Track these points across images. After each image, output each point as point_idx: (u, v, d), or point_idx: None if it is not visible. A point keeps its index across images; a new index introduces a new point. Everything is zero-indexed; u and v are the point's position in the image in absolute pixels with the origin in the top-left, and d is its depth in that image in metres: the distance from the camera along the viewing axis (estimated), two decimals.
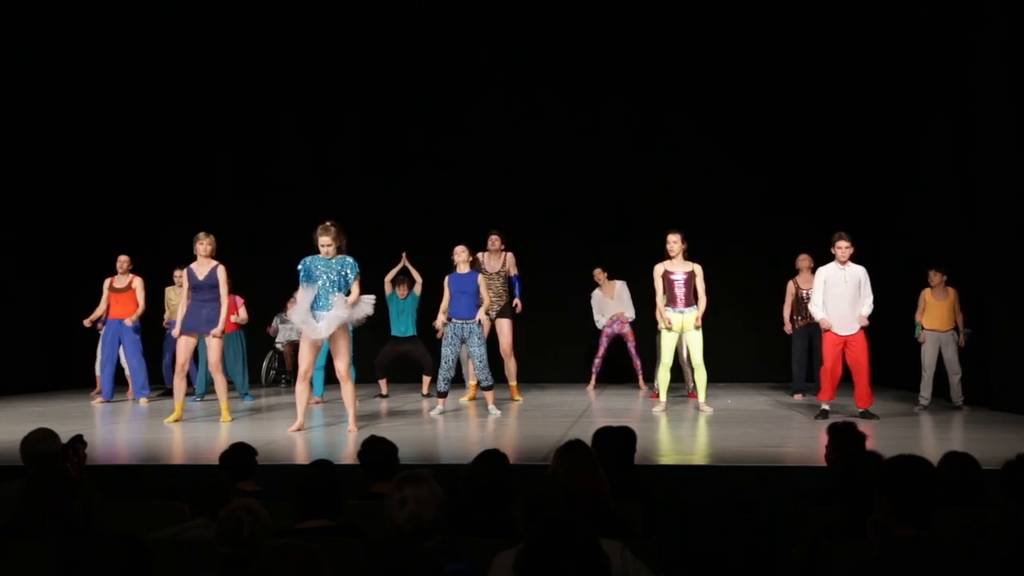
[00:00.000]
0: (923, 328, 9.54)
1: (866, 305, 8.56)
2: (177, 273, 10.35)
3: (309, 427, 8.33)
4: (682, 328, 9.23)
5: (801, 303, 10.62)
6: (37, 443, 4.64)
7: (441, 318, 9.23)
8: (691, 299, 9.20)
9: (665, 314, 9.19)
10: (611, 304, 11.57)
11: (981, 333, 9.53)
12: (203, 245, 8.76)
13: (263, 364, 12.62)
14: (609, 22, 12.83)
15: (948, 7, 10.17)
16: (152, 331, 11.22)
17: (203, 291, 8.79)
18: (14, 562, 3.53)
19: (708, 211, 12.26)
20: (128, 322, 10.66)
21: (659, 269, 9.26)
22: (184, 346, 8.83)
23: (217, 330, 8.72)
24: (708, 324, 9.34)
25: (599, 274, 11.63)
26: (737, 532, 5.64)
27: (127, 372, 10.99)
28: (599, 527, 3.00)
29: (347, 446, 7.22)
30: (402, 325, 10.94)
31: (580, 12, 12.84)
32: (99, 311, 10.79)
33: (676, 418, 8.90)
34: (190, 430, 8.37)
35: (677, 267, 9.23)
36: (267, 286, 11.91)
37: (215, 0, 13.01)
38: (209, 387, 10.25)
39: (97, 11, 12.74)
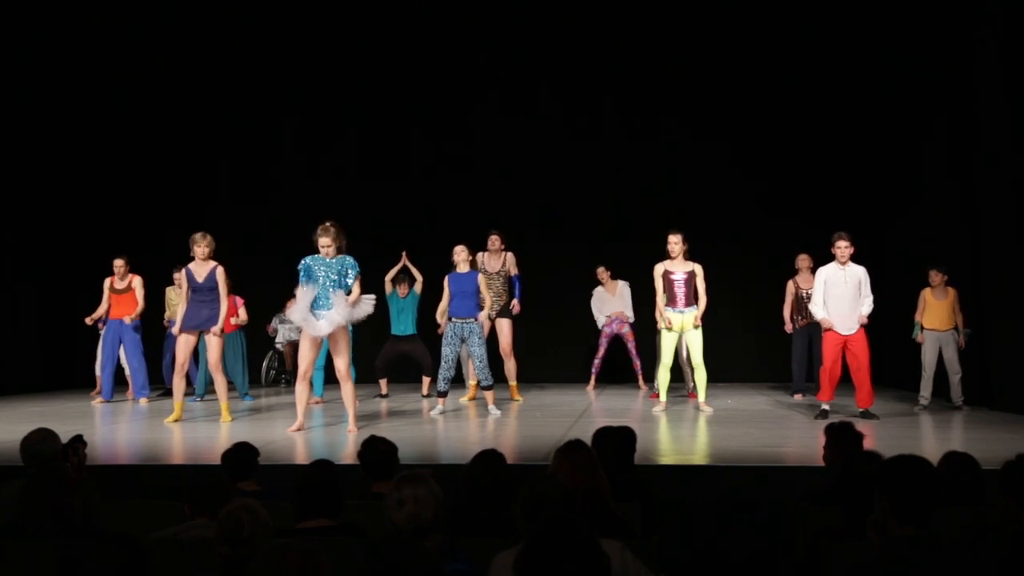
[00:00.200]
0: (922, 328, 9.54)
1: (866, 305, 8.56)
2: (176, 274, 10.34)
3: (309, 427, 8.33)
4: (682, 328, 9.23)
5: (801, 303, 10.62)
6: (37, 443, 4.64)
7: (441, 320, 9.22)
8: (691, 299, 9.20)
9: (665, 314, 9.19)
10: (612, 301, 11.57)
11: (981, 333, 9.53)
12: (200, 248, 8.76)
13: (263, 364, 12.62)
14: (609, 22, 12.83)
15: (948, 7, 10.17)
16: (152, 331, 11.22)
17: (203, 292, 8.80)
18: (14, 562, 3.53)
19: (708, 211, 12.26)
20: (128, 320, 10.67)
21: (659, 269, 9.26)
22: (184, 345, 8.83)
23: (217, 328, 8.72)
24: (708, 324, 9.34)
25: (602, 273, 11.64)
26: (737, 532, 5.65)
27: (127, 372, 11.00)
28: (599, 527, 3.00)
29: (347, 446, 7.23)
30: (402, 324, 10.94)
31: (580, 12, 12.84)
32: (100, 311, 10.80)
33: (676, 418, 8.90)
34: (190, 430, 8.37)
35: (677, 267, 9.23)
36: (267, 286, 11.89)
37: (215, 1, 13.01)
38: (209, 387, 10.25)
39: (97, 11, 12.73)
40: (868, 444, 4.79)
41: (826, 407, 8.61)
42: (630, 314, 11.51)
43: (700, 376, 9.31)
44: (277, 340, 12.62)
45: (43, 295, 12.52)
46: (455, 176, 12.98)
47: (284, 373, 12.65)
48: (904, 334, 9.88)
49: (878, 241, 11.64)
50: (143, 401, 10.67)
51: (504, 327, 10.27)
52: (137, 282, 10.75)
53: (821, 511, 4.20)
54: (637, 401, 10.58)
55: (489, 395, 9.20)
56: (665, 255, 9.28)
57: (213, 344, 8.82)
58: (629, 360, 11.69)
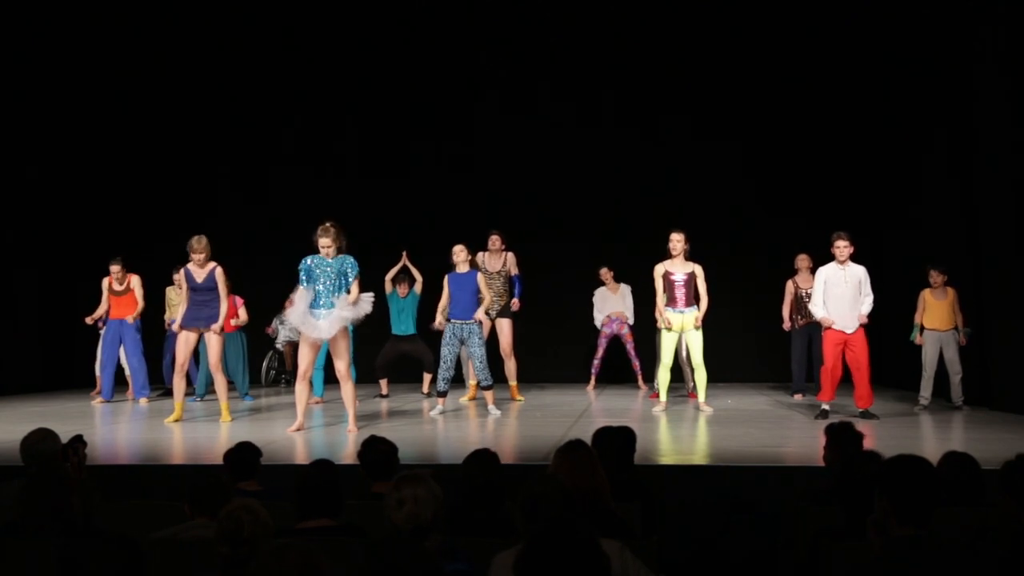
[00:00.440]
0: (922, 330, 9.53)
1: (866, 304, 8.56)
2: (176, 275, 10.34)
3: (309, 427, 8.33)
4: (682, 328, 9.24)
5: (800, 303, 10.62)
6: (37, 443, 4.64)
7: (439, 318, 9.22)
8: (691, 299, 9.20)
9: (665, 314, 9.19)
10: (613, 300, 11.57)
11: (981, 333, 9.53)
12: (198, 254, 8.75)
13: (263, 364, 12.62)
14: (609, 22, 12.83)
15: (949, 8, 10.16)
16: (153, 331, 11.23)
17: (202, 292, 8.81)
18: (14, 562, 3.53)
19: (708, 211, 12.26)
20: (130, 320, 10.68)
21: (659, 269, 9.26)
22: (184, 344, 8.83)
23: (217, 326, 8.73)
24: (708, 324, 9.33)
25: (605, 273, 11.64)
26: (737, 532, 5.65)
27: (127, 372, 11.00)
28: (599, 527, 3.00)
29: (347, 446, 7.23)
30: (403, 324, 10.94)
31: (580, 12, 12.84)
32: (99, 311, 10.80)
33: (676, 418, 8.90)
34: (190, 430, 8.37)
35: (678, 268, 9.23)
36: (267, 286, 11.90)
37: (215, 1, 13.01)
38: (209, 387, 10.25)
39: (97, 12, 12.73)
40: (868, 444, 4.79)
41: (826, 407, 8.61)
42: (630, 316, 11.51)
43: (700, 376, 9.31)
44: (277, 340, 12.62)
45: (43, 295, 12.52)
46: (455, 176, 12.98)
47: (284, 373, 12.65)
48: (904, 334, 9.87)
49: (878, 241, 11.64)
50: (143, 401, 10.67)
51: (504, 327, 10.27)
52: (136, 282, 10.75)
53: (821, 511, 4.20)
54: (637, 401, 10.58)
55: (489, 395, 9.20)
56: (665, 255, 9.28)
57: (213, 344, 8.82)
58: (629, 360, 11.69)
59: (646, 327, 10.88)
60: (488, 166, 12.92)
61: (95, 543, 3.54)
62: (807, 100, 12.43)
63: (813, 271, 9.27)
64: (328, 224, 8.06)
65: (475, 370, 9.46)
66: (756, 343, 12.31)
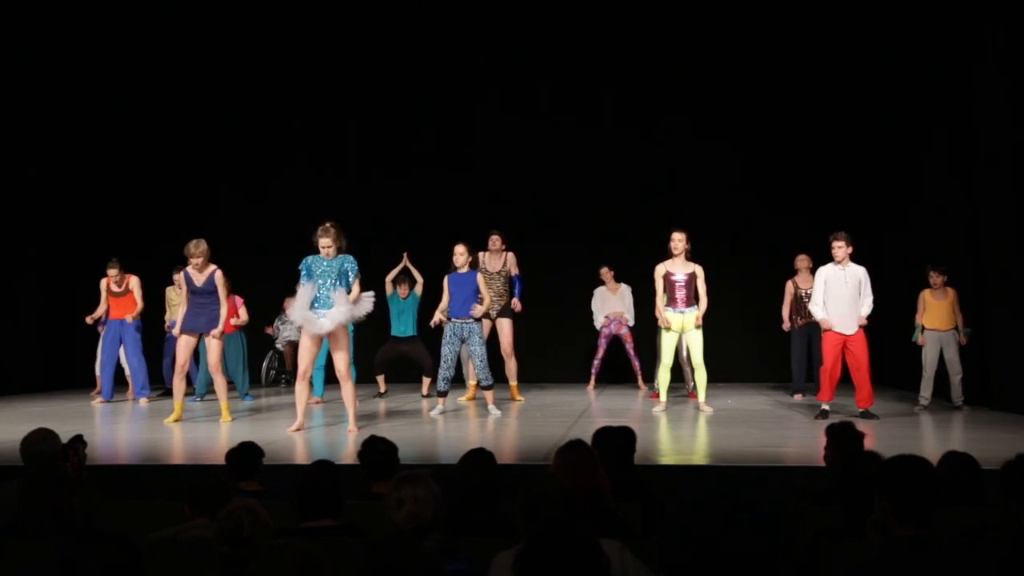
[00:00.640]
0: (923, 330, 9.54)
1: (866, 305, 8.56)
2: (176, 275, 10.35)
3: (309, 427, 8.33)
4: (682, 328, 9.23)
5: (800, 303, 10.62)
6: (37, 443, 4.64)
7: (438, 316, 9.22)
8: (691, 300, 9.20)
9: (664, 315, 9.19)
10: (613, 300, 11.57)
11: (981, 333, 9.53)
12: (195, 259, 8.74)
13: (263, 364, 12.63)
14: (609, 22, 12.83)
15: (949, 8, 10.16)
16: (153, 331, 11.23)
17: (202, 295, 8.81)
18: (14, 562, 3.53)
19: (708, 211, 12.25)
20: (130, 320, 10.68)
21: (660, 269, 9.25)
22: (184, 346, 8.84)
23: (217, 331, 8.73)
24: (708, 324, 9.33)
25: (606, 273, 11.63)
26: (737, 532, 5.65)
27: (127, 372, 11.00)
28: (599, 527, 3.00)
29: (347, 446, 7.23)
30: (402, 325, 10.94)
31: (580, 12, 12.84)
32: (99, 311, 10.79)
33: (676, 418, 8.90)
34: (190, 430, 8.37)
35: (678, 268, 9.22)
36: (267, 286, 11.92)
37: (215, 1, 13.01)
38: (209, 387, 10.25)
39: (97, 12, 12.73)
40: (868, 444, 4.78)
41: (826, 407, 8.61)
42: (630, 317, 11.51)
43: (700, 376, 9.31)
44: (277, 340, 12.63)
45: (43, 296, 12.52)
46: (455, 176, 12.98)
47: (284, 373, 12.66)
48: (904, 334, 9.87)
49: (878, 241, 11.65)
50: (143, 401, 10.68)
51: (505, 327, 10.27)
52: (134, 282, 10.75)
53: (821, 511, 4.20)
54: (637, 401, 10.58)
55: (489, 395, 9.20)
56: (665, 255, 9.27)
57: (213, 345, 8.83)
58: (629, 360, 11.69)
59: (646, 327, 10.88)
60: (488, 166, 12.92)
61: (95, 543, 3.54)
62: (807, 100, 12.43)
63: (813, 271, 9.26)
64: (328, 224, 8.07)
65: (475, 369, 9.46)
66: (756, 343, 12.32)
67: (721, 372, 10.91)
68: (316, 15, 13.08)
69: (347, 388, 8.17)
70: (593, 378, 11.67)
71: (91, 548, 3.44)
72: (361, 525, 3.85)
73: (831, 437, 4.76)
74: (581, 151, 12.81)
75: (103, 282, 10.76)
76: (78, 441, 4.68)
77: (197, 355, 10.37)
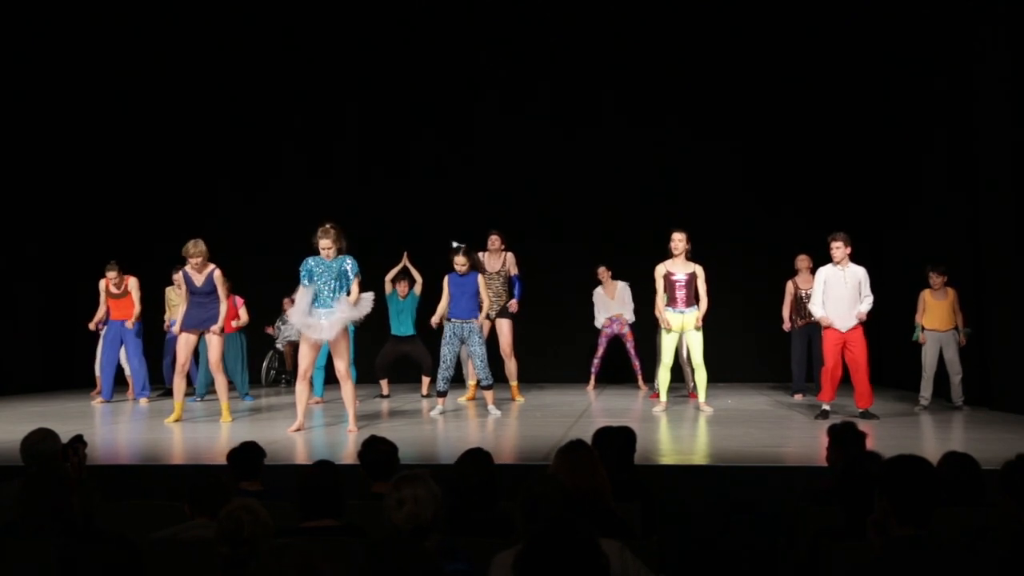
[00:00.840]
0: (923, 329, 9.54)
1: (865, 303, 8.56)
2: (176, 275, 10.35)
3: (309, 427, 8.33)
4: (682, 328, 9.23)
5: (800, 303, 10.62)
6: (37, 443, 4.64)
7: (436, 318, 9.21)
8: (691, 300, 9.19)
9: (664, 315, 9.18)
10: (612, 304, 11.58)
11: (981, 333, 9.53)
12: (194, 259, 8.73)
13: (263, 364, 12.63)
14: (609, 22, 12.83)
15: (949, 8, 10.16)
16: (153, 332, 11.22)
17: (201, 295, 8.81)
18: (14, 562, 3.53)
19: (708, 211, 12.25)
20: (129, 325, 10.68)
21: (660, 269, 9.25)
22: (184, 345, 8.84)
23: (216, 327, 8.73)
24: (708, 324, 9.33)
25: (603, 272, 11.63)
26: (737, 532, 5.65)
27: (127, 372, 11.01)
28: (599, 527, 3.00)
29: (347, 446, 7.23)
30: (402, 325, 10.94)
31: (580, 12, 12.84)
32: (100, 314, 10.79)
33: (676, 418, 8.90)
34: (190, 430, 8.37)
35: (679, 268, 9.22)
36: (267, 286, 11.92)
37: (214, 1, 13.01)
38: (209, 387, 10.25)
39: (96, 12, 12.73)
40: (868, 444, 4.78)
41: (827, 407, 8.61)
42: (629, 316, 11.51)
43: (700, 376, 9.31)
44: (277, 340, 12.63)
45: (43, 295, 12.52)
46: (455, 176, 12.98)
47: (284, 373, 12.66)
48: (904, 334, 9.87)
49: (878, 241, 11.64)
50: (143, 401, 10.68)
51: (504, 327, 10.26)
52: (133, 284, 10.75)
53: (821, 511, 4.20)
54: (637, 401, 10.58)
55: (489, 395, 9.20)
56: (665, 255, 9.27)
57: (213, 344, 8.83)
58: (629, 360, 11.69)
59: (646, 327, 10.88)
60: (488, 166, 12.92)
61: (95, 543, 3.54)
62: (807, 100, 12.43)
63: (813, 271, 9.26)
64: (328, 225, 8.07)
65: (475, 369, 9.46)
66: (756, 343, 12.31)
67: (721, 372, 10.91)
68: (316, 15, 13.08)
69: (347, 388, 8.17)
70: (593, 378, 11.67)
71: (91, 548, 3.44)
72: (361, 525, 3.85)
73: (833, 437, 4.76)
74: (581, 151, 12.81)
75: (102, 284, 10.75)
76: (78, 441, 4.67)
77: (197, 355, 10.37)
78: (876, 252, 11.27)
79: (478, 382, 9.65)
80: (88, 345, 11.60)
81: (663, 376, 9.33)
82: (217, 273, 8.84)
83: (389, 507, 3.32)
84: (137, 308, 10.75)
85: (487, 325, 9.92)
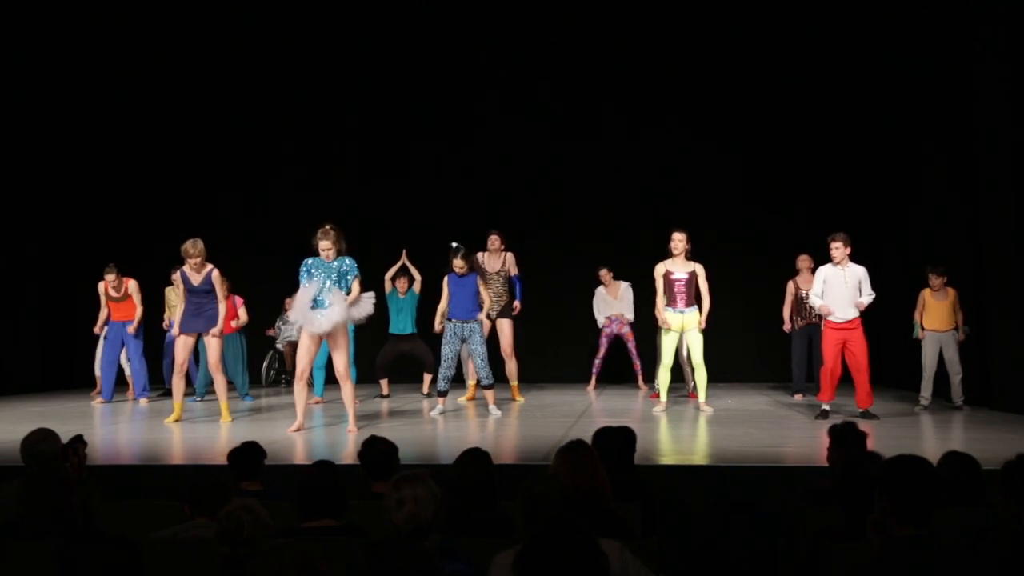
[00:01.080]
0: (922, 328, 9.54)
1: (866, 297, 8.54)
2: (175, 275, 10.34)
3: (309, 427, 8.33)
4: (682, 328, 9.23)
5: (801, 303, 10.62)
6: (37, 443, 4.64)
7: (439, 320, 9.21)
8: (691, 299, 9.19)
9: (664, 314, 9.18)
10: (613, 304, 11.58)
11: (981, 333, 9.53)
12: (193, 258, 8.72)
13: (263, 364, 12.63)
14: (609, 22, 12.83)
15: (949, 7, 10.16)
16: (153, 332, 11.22)
17: (200, 295, 8.80)
18: (14, 562, 3.53)
19: (709, 211, 12.25)
20: (130, 330, 10.68)
21: (660, 269, 9.24)
22: (182, 345, 8.83)
23: (216, 329, 8.73)
24: (708, 324, 9.32)
25: (605, 274, 11.63)
26: (737, 532, 5.65)
27: (127, 373, 11.01)
28: (599, 527, 3.00)
29: (347, 446, 7.23)
30: (401, 323, 10.95)
31: (580, 12, 12.84)
32: (102, 317, 10.78)
33: (676, 418, 8.90)
34: (190, 430, 8.37)
35: (679, 267, 9.22)
36: (267, 287, 11.91)
37: (214, 1, 13.01)
38: (209, 387, 10.25)
39: (95, 13, 12.74)
40: (868, 444, 4.78)
41: (826, 407, 8.61)
42: (630, 316, 11.51)
43: (700, 376, 9.31)
44: (277, 340, 12.63)
45: (43, 295, 12.52)
46: (455, 176, 12.98)
47: (284, 373, 12.66)
48: (904, 334, 9.88)
49: (878, 241, 11.64)
50: (143, 401, 10.68)
51: (504, 327, 10.26)
52: (133, 287, 10.74)
53: (821, 511, 4.20)
54: (637, 401, 10.58)
55: (489, 395, 9.19)
56: (665, 255, 9.27)
57: (213, 345, 8.82)
58: (629, 360, 11.69)
59: (647, 327, 10.87)
60: (488, 166, 12.92)
61: (95, 543, 3.54)
62: (807, 100, 12.43)
63: (814, 271, 9.26)
64: (327, 227, 8.06)
65: (476, 368, 9.46)
66: (756, 343, 12.31)
67: (721, 372, 10.91)
68: (316, 15, 13.08)
69: (346, 388, 8.17)
70: (593, 378, 11.67)
71: (91, 548, 3.44)
72: (361, 525, 3.86)
73: (833, 438, 4.76)
74: (581, 151, 12.81)
75: (101, 286, 10.74)
76: (78, 441, 4.67)
77: (197, 355, 10.37)
78: (876, 252, 11.27)
79: (478, 382, 9.65)
80: (88, 345, 11.60)
81: (663, 376, 9.32)
82: (215, 273, 8.83)
83: (389, 507, 3.32)
84: (140, 310, 10.75)
85: (487, 325, 9.92)
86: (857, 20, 11.93)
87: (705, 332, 9.25)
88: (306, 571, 2.59)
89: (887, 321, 10.71)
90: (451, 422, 8.77)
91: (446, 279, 9.23)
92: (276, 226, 12.52)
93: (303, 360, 8.17)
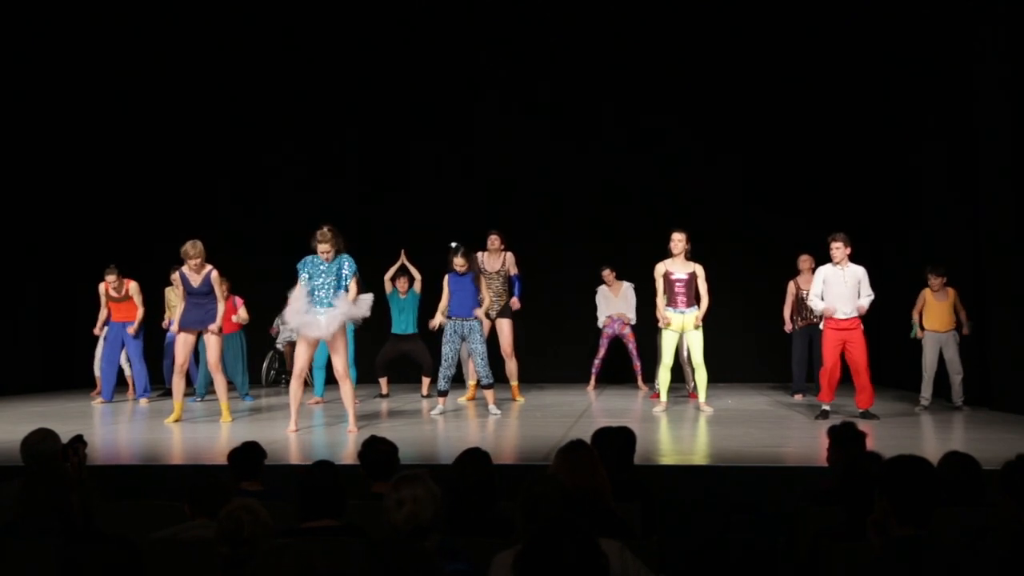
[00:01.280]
0: (922, 328, 9.54)
1: (865, 300, 8.55)
2: (173, 276, 10.34)
3: (309, 427, 8.33)
4: (682, 328, 9.23)
5: (802, 303, 10.61)
6: (37, 443, 4.64)
7: (439, 317, 9.21)
8: (692, 299, 9.19)
9: (664, 314, 9.18)
10: (615, 302, 11.57)
11: (981, 333, 9.53)
12: (192, 259, 8.70)
13: (263, 364, 12.62)
14: (609, 22, 12.83)
15: (949, 8, 10.16)
16: (153, 333, 11.22)
17: (199, 295, 8.81)
18: (14, 562, 3.53)
19: (709, 211, 12.25)
20: (132, 333, 10.67)
21: (660, 268, 9.24)
22: (182, 344, 8.83)
23: (215, 325, 8.73)
24: (708, 324, 9.33)
25: (608, 274, 11.62)
26: (737, 532, 5.65)
27: (127, 373, 11.01)
28: (599, 527, 3.00)
29: (347, 446, 7.23)
30: (403, 323, 10.95)
31: (579, 12, 12.84)
32: (102, 317, 10.78)
33: (676, 418, 8.90)
34: (190, 430, 8.37)
35: (678, 267, 9.22)
36: (267, 286, 11.90)
37: (214, 1, 13.01)
38: (209, 387, 10.25)
39: (95, 13, 12.73)
40: (868, 444, 4.78)
41: (827, 407, 8.61)
42: (632, 316, 11.51)
43: (700, 376, 9.31)
44: (277, 340, 12.62)
45: (43, 295, 12.51)
46: (455, 176, 12.98)
47: (284, 373, 12.65)
48: (904, 334, 9.87)
49: (878, 241, 11.64)
50: (143, 401, 10.68)
51: (504, 327, 10.26)
52: (134, 288, 10.75)
53: (821, 511, 4.20)
54: (637, 401, 10.58)
55: (489, 394, 9.19)
56: (665, 255, 9.27)
57: (212, 344, 8.83)
58: (629, 360, 11.69)
59: (647, 327, 10.87)
60: (488, 166, 12.92)
61: (95, 543, 3.54)
62: (808, 100, 12.42)
63: (815, 271, 9.26)
64: (324, 229, 8.05)
65: (476, 367, 9.46)
66: (756, 343, 12.31)
67: (721, 372, 10.90)
68: (316, 15, 13.08)
69: (346, 388, 8.16)
70: (593, 378, 11.67)
71: (91, 548, 3.44)
72: (361, 525, 3.85)
73: (833, 438, 4.76)
74: (581, 151, 12.81)
75: (101, 287, 10.74)
76: (78, 441, 4.67)
77: (197, 355, 10.37)
78: (876, 252, 11.26)
79: (478, 382, 9.66)
80: (88, 345, 11.60)
81: (663, 376, 9.32)
82: (215, 274, 8.83)
83: (388, 508, 3.32)
84: (141, 311, 10.75)
85: (487, 325, 9.93)
86: (857, 20, 11.92)
87: (705, 332, 9.25)
88: (306, 571, 2.59)
89: (887, 321, 10.71)
90: (451, 422, 8.77)
91: (446, 278, 9.24)
92: (276, 226, 12.52)
93: (300, 360, 8.18)
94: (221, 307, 8.83)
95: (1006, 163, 9.17)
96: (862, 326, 8.61)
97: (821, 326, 8.99)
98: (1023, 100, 8.98)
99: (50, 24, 12.39)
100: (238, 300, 10.83)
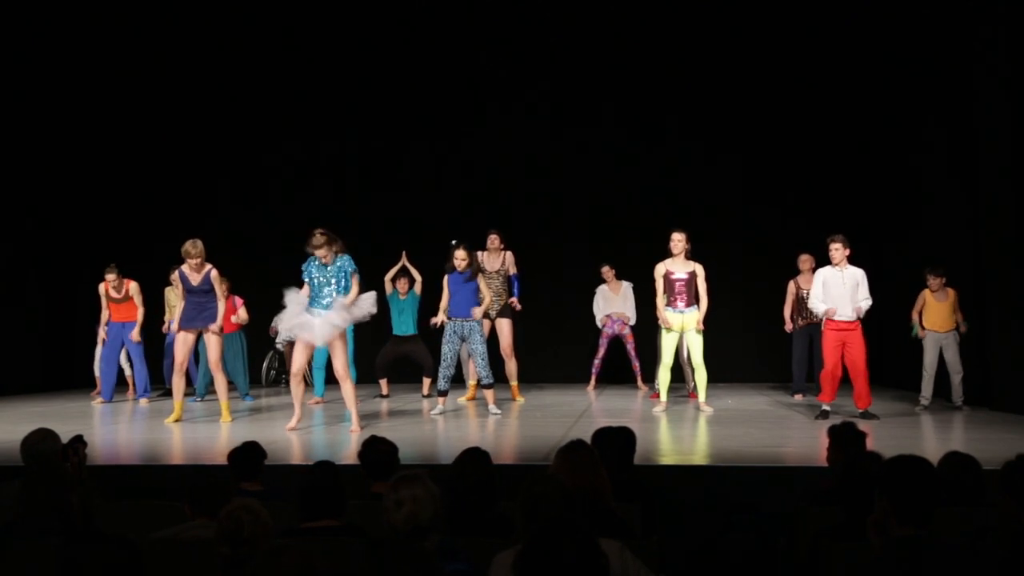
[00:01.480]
0: (922, 328, 9.54)
1: (864, 303, 8.55)
2: (173, 275, 10.34)
3: (309, 426, 8.33)
4: (682, 328, 9.23)
5: (802, 303, 10.61)
6: (37, 443, 4.64)
7: (441, 316, 9.21)
8: (692, 299, 9.19)
9: (664, 314, 9.18)
10: (615, 301, 11.57)
11: (981, 333, 9.53)
12: (193, 259, 8.69)
13: (263, 364, 12.62)
14: (609, 22, 12.83)
15: (949, 8, 10.16)
16: (153, 333, 11.22)
17: (199, 294, 8.80)
18: (14, 562, 3.53)
19: (709, 211, 12.25)
20: (133, 336, 10.66)
21: (660, 268, 9.24)
22: (182, 344, 8.83)
23: (215, 325, 8.73)
24: (708, 324, 9.32)
25: (607, 272, 11.63)
26: (737, 532, 5.64)
27: (127, 374, 11.01)
28: (599, 527, 3.00)
29: (348, 446, 7.22)
30: (403, 324, 10.94)
31: (579, 12, 12.84)
32: (104, 318, 10.78)
33: (676, 418, 8.90)
34: (190, 430, 8.37)
35: (678, 267, 9.21)
36: (267, 286, 11.87)
37: (214, 1, 13.01)
38: (209, 387, 10.25)
39: (95, 12, 12.74)
40: (868, 444, 4.78)
41: (827, 408, 8.61)
42: (632, 315, 11.50)
43: (700, 376, 9.31)
44: (277, 340, 12.60)
45: (43, 295, 12.52)
46: (455, 176, 12.98)
47: (284, 373, 12.64)
48: (904, 335, 9.87)
49: (878, 241, 11.64)
50: (143, 402, 10.68)
51: (504, 327, 10.26)
52: (134, 288, 10.74)
53: (821, 511, 4.20)
54: (637, 401, 10.58)
55: (489, 394, 9.19)
56: (665, 255, 9.26)
57: (213, 343, 8.82)
58: (629, 360, 11.68)
59: (647, 327, 10.87)
60: (488, 166, 12.92)
61: (95, 543, 3.54)
62: (808, 100, 12.43)
63: (815, 271, 9.26)
64: (318, 233, 8.03)
65: (476, 367, 9.45)
66: (756, 343, 12.31)
67: (721, 372, 10.91)
68: (316, 15, 13.08)
69: (346, 388, 8.17)
70: (593, 378, 11.67)
71: (91, 548, 3.44)
72: (361, 525, 3.85)
73: (833, 438, 4.76)
74: (581, 151, 12.81)
75: (101, 288, 10.73)
76: (78, 441, 4.68)
77: (197, 355, 10.37)
78: (876, 252, 11.27)
79: (478, 382, 9.65)
80: (88, 345, 11.61)
81: (663, 376, 9.32)
82: (214, 273, 8.83)
83: (388, 508, 3.32)
84: (141, 312, 10.74)
85: (487, 324, 9.92)
86: (857, 20, 11.93)
87: (705, 332, 9.25)
88: (306, 571, 2.59)
89: (887, 321, 10.71)
90: (451, 422, 8.77)
91: (446, 279, 9.23)
92: (276, 226, 12.52)
93: (298, 360, 8.19)
94: (221, 306, 8.83)
95: (1006, 163, 9.17)
96: (861, 327, 8.61)
97: (822, 326, 8.99)
98: (1023, 100, 8.98)
99: (50, 24, 12.39)
100: (238, 300, 10.83)
